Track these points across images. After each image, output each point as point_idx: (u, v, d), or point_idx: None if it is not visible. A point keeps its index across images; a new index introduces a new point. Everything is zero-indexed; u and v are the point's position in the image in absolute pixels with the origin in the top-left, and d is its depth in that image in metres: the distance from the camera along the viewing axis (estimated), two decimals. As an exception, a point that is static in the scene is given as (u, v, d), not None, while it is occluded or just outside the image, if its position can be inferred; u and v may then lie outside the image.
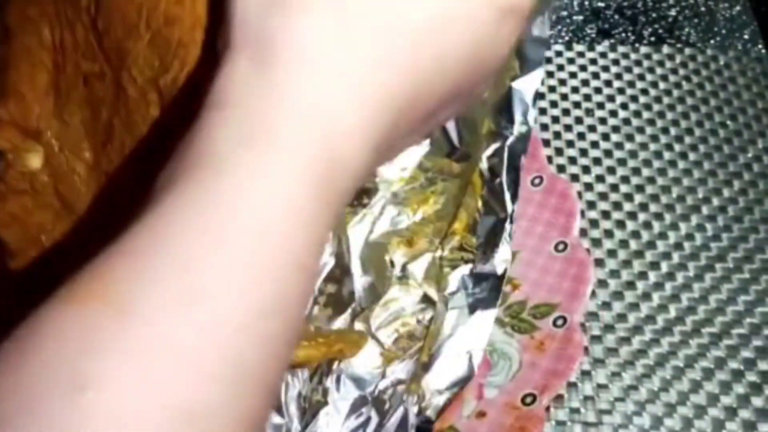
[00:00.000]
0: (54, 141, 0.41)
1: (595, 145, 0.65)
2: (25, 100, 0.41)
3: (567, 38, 0.72)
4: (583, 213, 0.61)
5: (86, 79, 0.39)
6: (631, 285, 0.58)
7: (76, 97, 0.40)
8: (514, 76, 0.48)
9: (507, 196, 0.48)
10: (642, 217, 0.61)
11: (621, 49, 0.72)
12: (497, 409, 0.50)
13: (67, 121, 0.41)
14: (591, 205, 0.62)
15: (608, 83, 0.69)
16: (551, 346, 0.52)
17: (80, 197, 0.40)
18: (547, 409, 0.51)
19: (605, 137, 0.66)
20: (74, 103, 0.40)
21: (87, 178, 0.40)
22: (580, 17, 0.74)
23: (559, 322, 0.53)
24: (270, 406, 0.25)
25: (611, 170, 0.64)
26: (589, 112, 0.67)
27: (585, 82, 0.69)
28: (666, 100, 0.68)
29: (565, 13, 0.74)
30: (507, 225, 0.48)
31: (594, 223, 0.61)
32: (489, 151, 0.49)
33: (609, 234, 0.60)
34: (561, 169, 0.64)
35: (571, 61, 0.71)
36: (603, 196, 0.62)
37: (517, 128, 0.48)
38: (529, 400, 0.50)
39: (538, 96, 0.52)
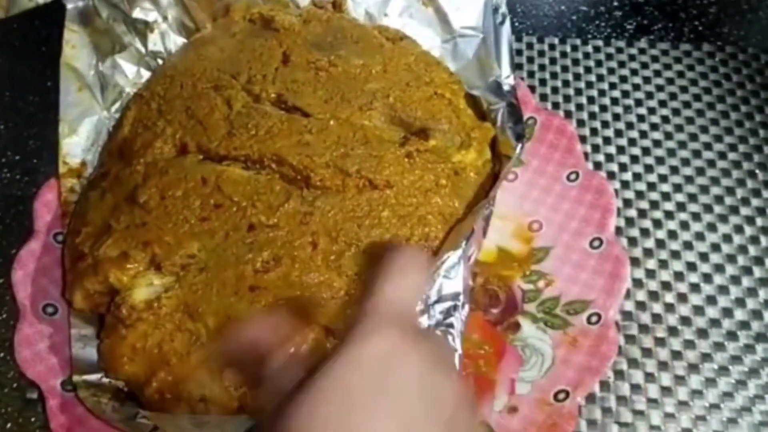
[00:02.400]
0: (199, 263, 0.47)
1: (632, 142, 0.64)
2: (171, 245, 0.47)
3: (606, 34, 0.71)
4: (619, 211, 0.60)
5: None
6: (667, 286, 0.57)
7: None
8: None
9: None
10: (680, 216, 0.60)
11: (661, 45, 0.70)
12: (529, 405, 0.50)
13: (218, 251, 0.48)
14: (628, 203, 0.61)
15: (647, 80, 0.68)
16: (585, 343, 0.51)
17: (210, 304, 0.46)
18: (580, 407, 0.50)
19: (643, 135, 0.65)
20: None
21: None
22: (620, 12, 0.73)
23: (594, 318, 0.52)
24: None
25: (649, 168, 0.63)
26: (627, 109, 0.66)
27: (623, 79, 0.68)
28: (706, 98, 0.67)
29: (603, 9, 0.73)
30: None
31: (631, 222, 0.60)
32: None
33: (646, 233, 0.59)
34: (598, 166, 0.63)
35: (609, 57, 0.69)
36: (640, 195, 0.61)
37: None
38: (561, 396, 0.49)
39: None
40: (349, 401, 0.32)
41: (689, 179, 0.62)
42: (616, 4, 0.73)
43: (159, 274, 0.46)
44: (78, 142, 0.58)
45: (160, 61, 0.62)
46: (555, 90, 0.67)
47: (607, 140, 0.64)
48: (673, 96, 0.67)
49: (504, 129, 0.53)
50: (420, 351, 0.35)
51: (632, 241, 0.59)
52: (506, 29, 0.56)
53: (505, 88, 0.53)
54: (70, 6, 0.59)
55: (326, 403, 0.32)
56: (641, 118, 0.66)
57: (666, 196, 0.61)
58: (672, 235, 0.59)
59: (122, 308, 0.46)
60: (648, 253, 0.58)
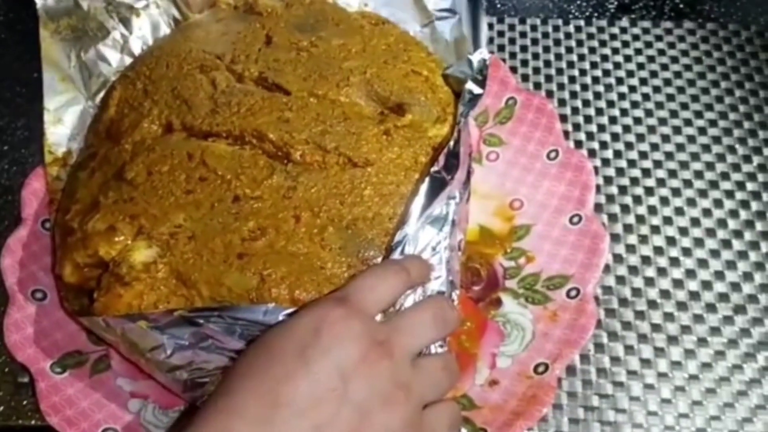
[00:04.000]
0: (186, 232, 0.48)
1: (613, 120, 0.65)
2: (157, 217, 0.48)
3: (587, 13, 0.72)
4: (600, 188, 0.60)
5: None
6: (647, 260, 0.58)
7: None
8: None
9: None
10: (660, 192, 0.61)
11: (642, 24, 0.71)
12: (510, 378, 0.50)
13: (204, 221, 0.48)
14: (609, 180, 0.62)
15: (628, 58, 0.69)
16: (564, 317, 0.52)
17: (201, 272, 0.46)
18: (559, 379, 0.51)
19: (624, 113, 0.65)
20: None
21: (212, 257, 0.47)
22: (601, -8, 0.73)
23: (573, 293, 0.53)
24: None
25: (629, 145, 0.64)
26: (608, 88, 0.67)
27: (605, 58, 0.69)
28: (687, 75, 0.67)
29: (585, -11, 0.74)
30: None
31: (611, 198, 0.61)
32: None
33: (626, 209, 0.60)
34: (579, 144, 0.63)
35: (590, 36, 0.70)
36: (621, 172, 0.62)
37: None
38: (541, 369, 0.50)
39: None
40: (268, 355, 0.39)
41: (669, 155, 0.63)
42: (597, -17, 0.74)
43: (149, 242, 0.47)
44: (63, 131, 0.59)
45: (145, 48, 0.63)
46: (536, 70, 0.68)
47: (588, 119, 0.65)
48: (653, 74, 0.68)
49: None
50: (353, 327, 0.39)
51: (613, 218, 0.60)
52: (480, 8, 0.57)
53: (475, 65, 0.54)
54: (39, 3, 0.60)
55: (254, 354, 0.40)
56: (622, 97, 0.66)
57: (646, 173, 0.62)
58: (652, 210, 0.60)
59: (122, 266, 0.47)
60: (628, 228, 0.59)
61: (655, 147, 0.63)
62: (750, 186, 0.61)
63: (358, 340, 0.39)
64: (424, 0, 0.60)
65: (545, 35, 0.70)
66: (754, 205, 0.60)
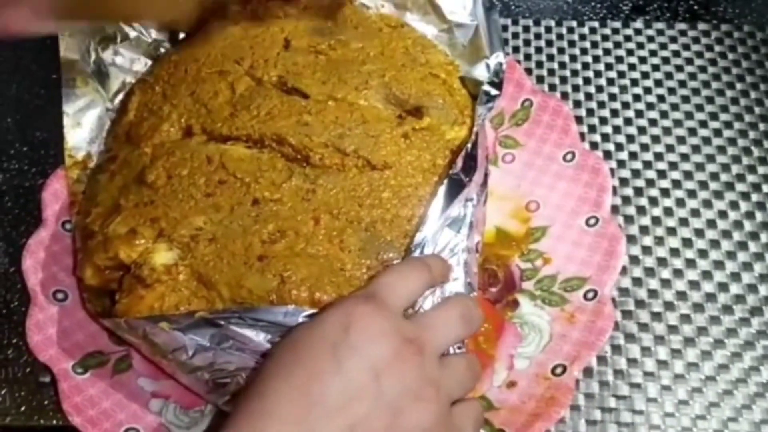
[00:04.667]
0: (206, 235, 0.49)
1: (629, 122, 0.65)
2: (177, 220, 0.49)
3: (601, 15, 0.72)
4: (616, 190, 0.61)
5: None
6: (663, 262, 0.58)
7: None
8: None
9: None
10: (676, 194, 0.61)
11: (656, 25, 0.71)
12: (528, 379, 0.51)
13: (224, 223, 0.49)
14: (624, 182, 0.62)
15: (643, 60, 0.69)
16: (582, 319, 0.52)
17: (222, 274, 0.47)
18: (577, 380, 0.51)
19: (639, 114, 0.66)
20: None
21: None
22: (615, -6, 0.74)
23: (590, 295, 0.53)
24: None
25: (645, 147, 0.64)
26: (623, 90, 0.67)
27: (619, 59, 0.69)
28: (701, 77, 0.68)
29: (600, -10, 0.74)
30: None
31: (627, 200, 0.61)
32: None
33: (642, 211, 0.60)
34: (594, 146, 0.64)
35: (605, 38, 0.70)
36: (636, 174, 0.62)
37: None
38: (559, 371, 0.50)
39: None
40: (297, 355, 0.39)
41: (685, 157, 0.63)
42: (611, -15, 0.74)
43: (169, 245, 0.48)
44: (82, 134, 0.59)
45: (162, 50, 0.63)
46: (551, 72, 0.68)
47: (603, 120, 0.65)
48: (668, 75, 0.68)
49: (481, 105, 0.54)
50: (382, 324, 0.39)
51: (629, 219, 0.60)
52: (495, 15, 0.57)
53: (491, 68, 0.54)
54: None
55: (283, 353, 0.40)
56: (637, 98, 0.66)
57: (662, 174, 0.62)
58: (668, 212, 0.60)
59: (143, 268, 0.47)
60: (644, 230, 0.59)
61: (670, 149, 0.64)
62: (766, 188, 0.61)
63: (388, 337, 0.39)
64: (443, 6, 0.60)
65: (560, 37, 0.70)
66: (770, 207, 0.60)
